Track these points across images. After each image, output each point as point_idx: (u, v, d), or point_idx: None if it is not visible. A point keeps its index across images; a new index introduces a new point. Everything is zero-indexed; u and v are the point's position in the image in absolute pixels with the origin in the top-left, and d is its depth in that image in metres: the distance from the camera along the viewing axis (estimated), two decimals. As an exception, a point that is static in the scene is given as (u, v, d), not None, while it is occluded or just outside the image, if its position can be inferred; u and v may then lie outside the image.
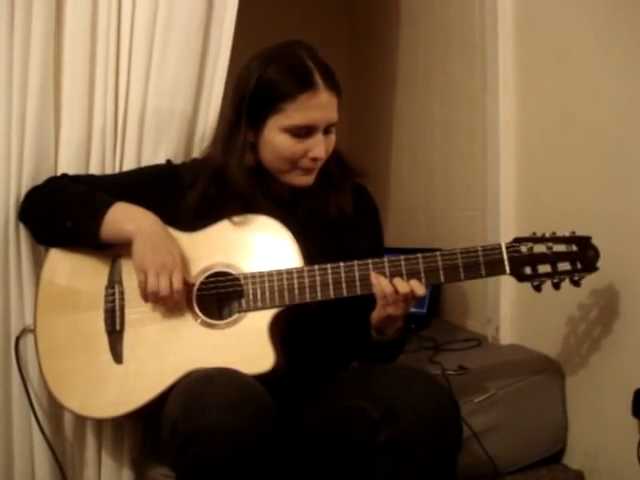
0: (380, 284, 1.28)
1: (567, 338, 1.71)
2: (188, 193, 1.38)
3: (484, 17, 2.00)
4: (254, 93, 1.33)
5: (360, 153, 2.89)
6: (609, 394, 1.58)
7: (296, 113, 1.31)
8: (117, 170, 1.53)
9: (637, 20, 1.48)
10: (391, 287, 1.28)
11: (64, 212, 1.35)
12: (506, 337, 1.94)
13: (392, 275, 1.29)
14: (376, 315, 1.32)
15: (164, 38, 1.51)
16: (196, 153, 1.56)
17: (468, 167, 2.16)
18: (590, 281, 1.48)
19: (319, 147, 1.34)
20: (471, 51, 2.10)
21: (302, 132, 1.33)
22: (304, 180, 1.39)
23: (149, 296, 1.30)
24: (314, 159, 1.35)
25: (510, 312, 1.93)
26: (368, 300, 1.31)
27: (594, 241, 1.34)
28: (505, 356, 1.83)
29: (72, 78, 1.47)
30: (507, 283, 1.90)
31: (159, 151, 1.54)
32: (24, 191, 1.43)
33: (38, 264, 1.43)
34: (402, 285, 1.28)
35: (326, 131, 1.35)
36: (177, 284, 1.29)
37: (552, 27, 1.76)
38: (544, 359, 1.76)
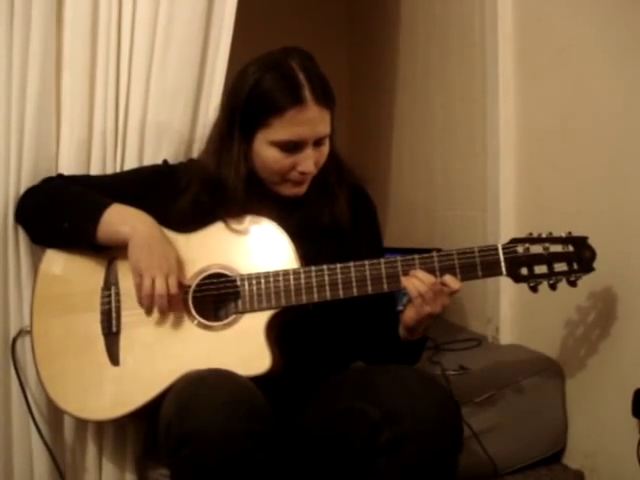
0: (413, 284, 1.27)
1: (567, 338, 1.70)
2: (182, 195, 1.38)
3: (484, 17, 1.99)
4: (245, 105, 1.32)
5: (360, 154, 2.90)
6: (609, 394, 1.58)
7: (283, 129, 1.30)
8: (118, 169, 1.53)
9: (637, 20, 1.48)
10: (425, 286, 1.26)
11: (60, 214, 1.35)
12: (506, 337, 1.94)
13: (388, 276, 1.29)
14: (414, 315, 1.29)
15: (165, 37, 1.51)
16: (197, 152, 1.56)
17: (468, 167, 2.16)
18: (590, 282, 1.48)
19: (307, 162, 1.33)
20: (471, 51, 2.10)
21: (290, 147, 1.32)
22: (294, 191, 1.38)
23: (144, 299, 1.30)
24: (303, 173, 1.34)
25: (510, 312, 1.93)
26: (381, 300, 1.31)
27: (593, 241, 1.33)
28: (505, 356, 1.83)
29: (73, 77, 1.47)
30: (507, 283, 1.86)
31: (161, 150, 1.54)
32: (23, 191, 1.43)
33: (37, 265, 1.42)
34: (434, 281, 1.26)
35: (317, 143, 1.33)
36: (172, 287, 1.29)
37: (552, 27, 1.76)
38: (544, 359, 1.76)
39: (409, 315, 1.30)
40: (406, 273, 1.29)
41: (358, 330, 1.43)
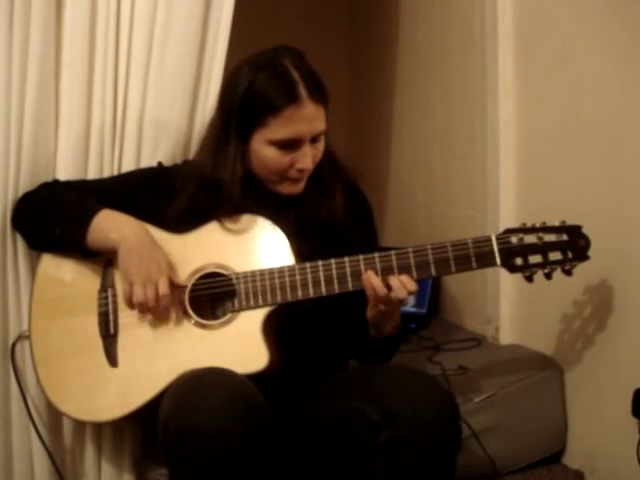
0: (370, 282, 1.28)
1: (567, 338, 1.70)
2: (177, 196, 1.38)
3: (484, 17, 1.99)
4: (241, 105, 1.32)
5: (360, 153, 2.90)
6: (609, 394, 1.58)
7: (280, 127, 1.30)
8: (115, 169, 1.52)
9: (636, 20, 1.48)
10: (382, 285, 1.27)
11: (52, 220, 1.36)
12: (506, 337, 1.94)
13: (383, 270, 1.29)
14: (369, 312, 1.32)
15: (163, 36, 1.51)
16: (194, 150, 1.55)
17: (468, 167, 2.16)
18: (589, 281, 1.48)
19: (305, 159, 1.33)
20: (471, 51, 2.10)
21: (288, 145, 1.32)
22: (292, 189, 1.38)
23: (137, 306, 1.30)
24: (301, 170, 1.35)
25: (510, 312, 1.93)
26: (364, 296, 1.31)
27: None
28: (505, 356, 1.83)
29: (71, 76, 1.47)
30: (507, 283, 1.90)
31: (158, 147, 1.54)
32: (21, 192, 1.43)
33: (35, 268, 1.42)
34: (393, 282, 1.27)
35: (313, 140, 1.34)
36: (163, 291, 1.28)
37: (552, 27, 1.76)
38: (544, 359, 1.76)
39: (367, 312, 1.33)
40: (400, 266, 1.29)
41: (351, 327, 1.43)
